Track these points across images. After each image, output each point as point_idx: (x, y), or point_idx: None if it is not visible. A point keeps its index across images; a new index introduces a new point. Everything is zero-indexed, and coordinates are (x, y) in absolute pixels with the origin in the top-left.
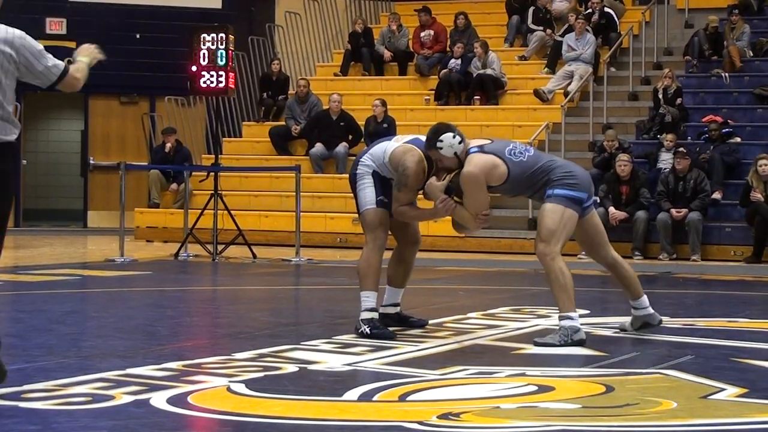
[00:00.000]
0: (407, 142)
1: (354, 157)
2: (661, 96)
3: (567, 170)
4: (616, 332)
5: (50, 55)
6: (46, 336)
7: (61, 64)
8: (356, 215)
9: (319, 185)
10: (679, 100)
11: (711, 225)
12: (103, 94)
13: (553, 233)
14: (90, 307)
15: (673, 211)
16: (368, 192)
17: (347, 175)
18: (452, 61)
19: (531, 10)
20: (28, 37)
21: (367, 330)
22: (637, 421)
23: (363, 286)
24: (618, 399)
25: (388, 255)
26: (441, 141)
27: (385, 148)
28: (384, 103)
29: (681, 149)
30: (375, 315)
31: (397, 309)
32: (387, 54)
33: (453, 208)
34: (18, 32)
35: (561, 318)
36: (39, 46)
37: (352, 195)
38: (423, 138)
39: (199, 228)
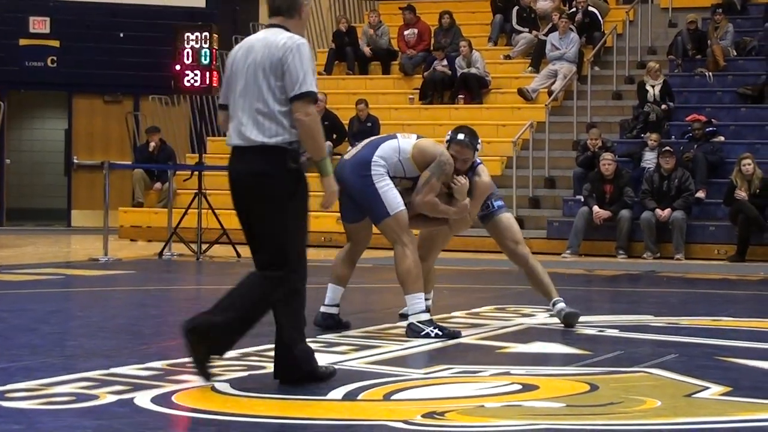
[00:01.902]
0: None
1: (338, 157)
2: (649, 89)
3: None
4: (600, 331)
5: None
6: (30, 335)
7: None
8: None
9: None
10: (665, 107)
11: (695, 224)
12: (86, 93)
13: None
14: (74, 306)
15: (658, 211)
16: (394, 193)
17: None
18: (436, 61)
19: (515, 9)
20: None
21: (437, 331)
22: (621, 419)
23: (409, 290)
24: (602, 398)
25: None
26: (480, 143)
27: (395, 146)
28: (366, 103)
29: (668, 148)
30: (429, 315)
31: (338, 309)
32: (367, 51)
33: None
34: None
35: (557, 302)
36: None
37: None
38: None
39: (183, 227)
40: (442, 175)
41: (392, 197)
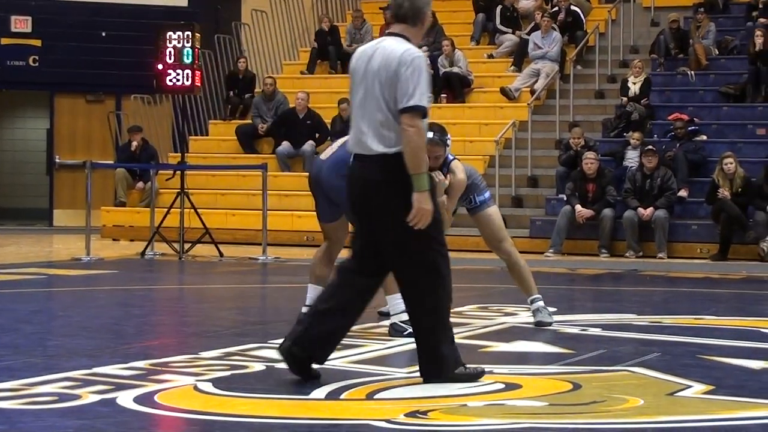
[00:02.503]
0: None
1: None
2: (631, 86)
3: None
4: (583, 330)
5: None
6: (12, 335)
7: None
8: None
9: (285, 183)
10: (645, 100)
11: (677, 223)
12: (68, 92)
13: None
14: (56, 306)
15: (641, 210)
16: None
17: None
18: None
19: (498, 9)
20: None
21: None
22: (603, 418)
23: (391, 291)
24: (585, 396)
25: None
26: (449, 139)
27: None
28: (349, 102)
29: (650, 147)
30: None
31: None
32: (351, 48)
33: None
34: None
35: (536, 300)
36: None
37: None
38: None
39: (165, 226)
40: None
41: None
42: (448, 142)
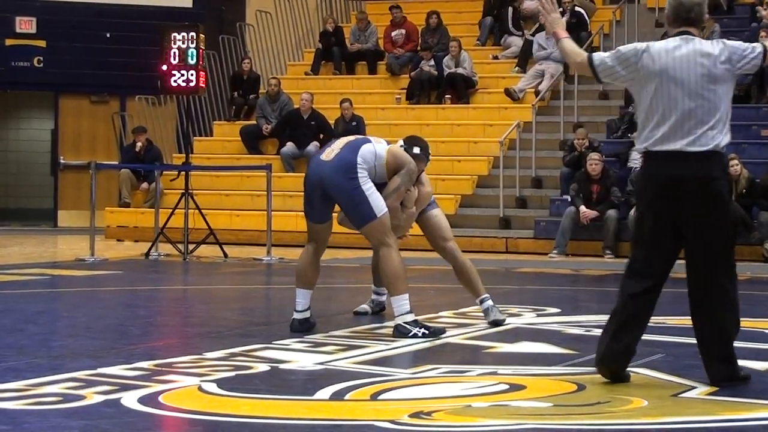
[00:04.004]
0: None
1: None
2: None
3: None
4: (587, 331)
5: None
6: (17, 336)
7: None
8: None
9: (290, 184)
10: None
11: None
12: (73, 93)
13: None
14: (60, 306)
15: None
16: (378, 196)
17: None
18: (423, 61)
19: (510, 10)
20: None
21: (423, 331)
22: (608, 419)
23: (396, 292)
24: (589, 397)
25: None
26: (429, 153)
27: (373, 150)
28: (351, 103)
29: None
30: (414, 315)
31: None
32: (355, 47)
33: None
34: None
35: (485, 300)
36: None
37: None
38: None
39: (169, 227)
40: (409, 183)
41: (377, 199)
42: (429, 157)
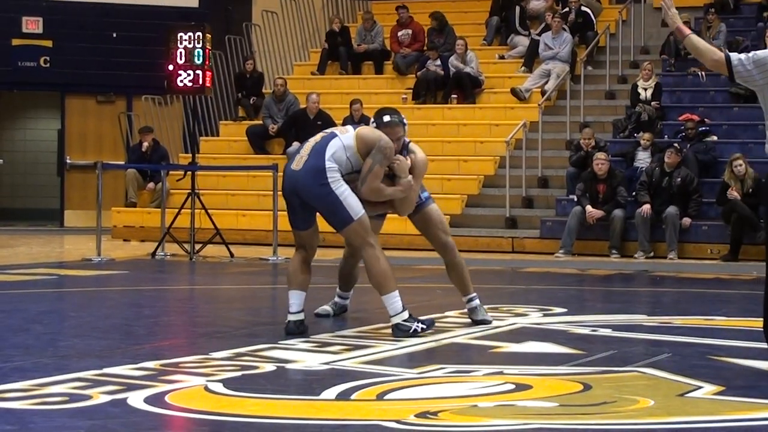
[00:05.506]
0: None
1: None
2: (641, 92)
3: None
4: (593, 330)
5: None
6: (23, 335)
7: None
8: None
9: None
10: (655, 103)
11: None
12: (79, 93)
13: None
14: (67, 306)
15: (645, 207)
16: (354, 197)
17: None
18: (429, 61)
19: (518, 10)
20: None
21: (421, 325)
22: (614, 419)
23: (386, 291)
24: (595, 397)
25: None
26: (405, 118)
27: (341, 145)
28: (362, 104)
29: (675, 145)
30: (408, 312)
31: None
32: (361, 47)
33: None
34: None
35: (473, 299)
36: None
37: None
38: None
39: (176, 227)
40: (385, 160)
41: (354, 202)
42: (405, 121)
